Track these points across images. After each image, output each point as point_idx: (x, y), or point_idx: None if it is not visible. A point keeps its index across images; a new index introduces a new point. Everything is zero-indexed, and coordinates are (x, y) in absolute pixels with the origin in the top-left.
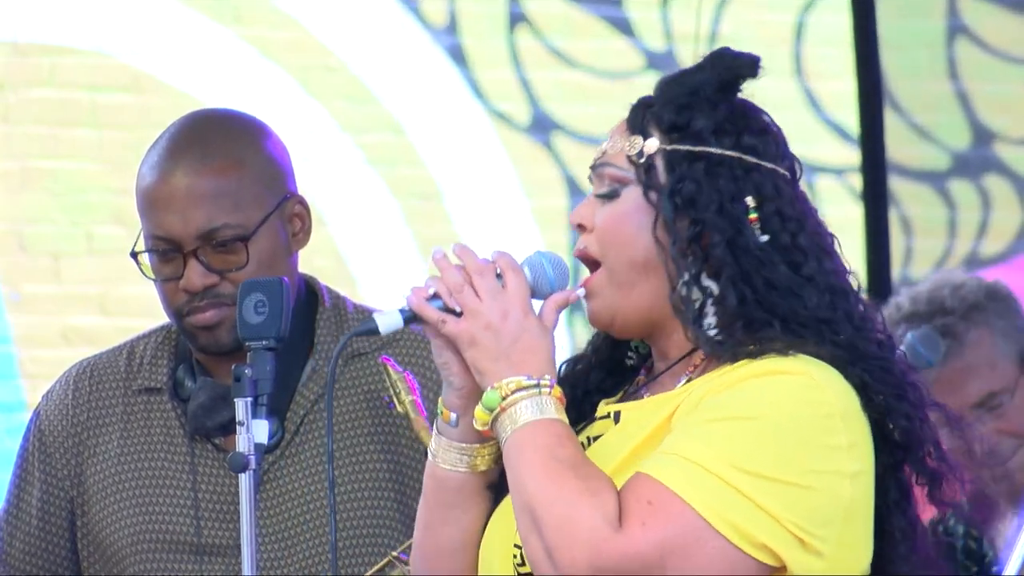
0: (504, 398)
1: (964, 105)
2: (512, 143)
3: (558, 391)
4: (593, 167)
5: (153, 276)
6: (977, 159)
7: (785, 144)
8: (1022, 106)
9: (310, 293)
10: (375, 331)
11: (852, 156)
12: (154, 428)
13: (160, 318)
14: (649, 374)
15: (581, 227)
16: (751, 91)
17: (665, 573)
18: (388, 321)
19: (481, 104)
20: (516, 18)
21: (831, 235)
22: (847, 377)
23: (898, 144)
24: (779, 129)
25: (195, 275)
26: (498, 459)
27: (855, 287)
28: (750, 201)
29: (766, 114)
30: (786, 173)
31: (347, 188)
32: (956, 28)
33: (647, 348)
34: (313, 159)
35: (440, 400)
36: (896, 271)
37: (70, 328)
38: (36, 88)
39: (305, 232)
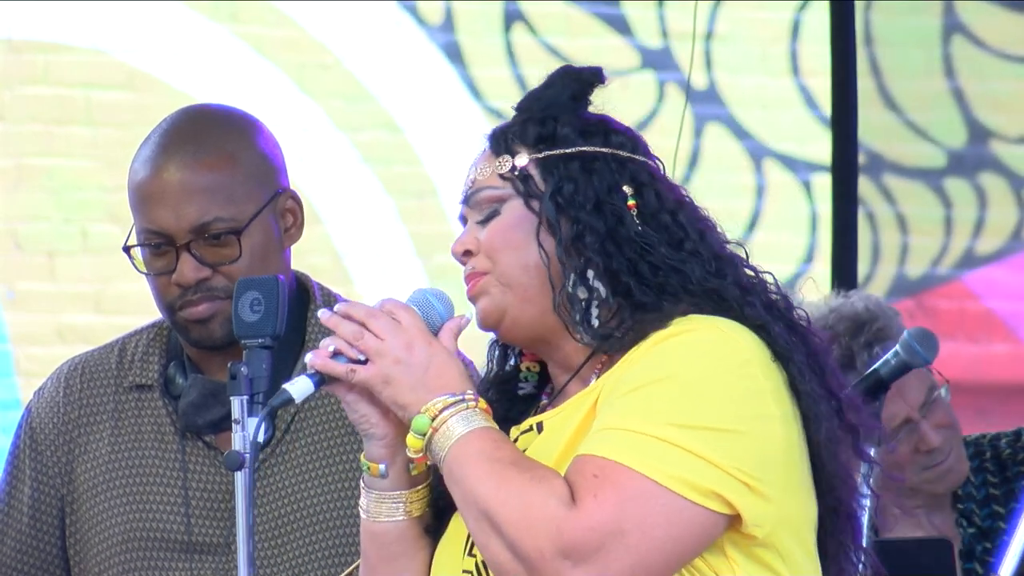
0: (433, 418)
1: (960, 103)
2: None
3: (483, 403)
4: (465, 200)
5: (145, 270)
6: (973, 157)
7: (646, 144)
8: (1018, 104)
9: (302, 290)
10: (290, 400)
11: None
12: (145, 425)
13: (154, 316)
14: (552, 394)
15: (468, 253)
16: (749, 90)
17: (626, 540)
18: (299, 388)
19: (477, 102)
20: (512, 16)
21: (711, 220)
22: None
23: (894, 142)
24: (639, 135)
25: (188, 269)
26: (429, 502)
27: (743, 256)
28: (627, 189)
29: (616, 120)
30: (657, 166)
31: (342, 186)
32: (952, 26)
33: (536, 375)
34: (308, 157)
35: (362, 457)
36: (892, 269)
37: (65, 326)
38: (31, 85)
39: (297, 227)
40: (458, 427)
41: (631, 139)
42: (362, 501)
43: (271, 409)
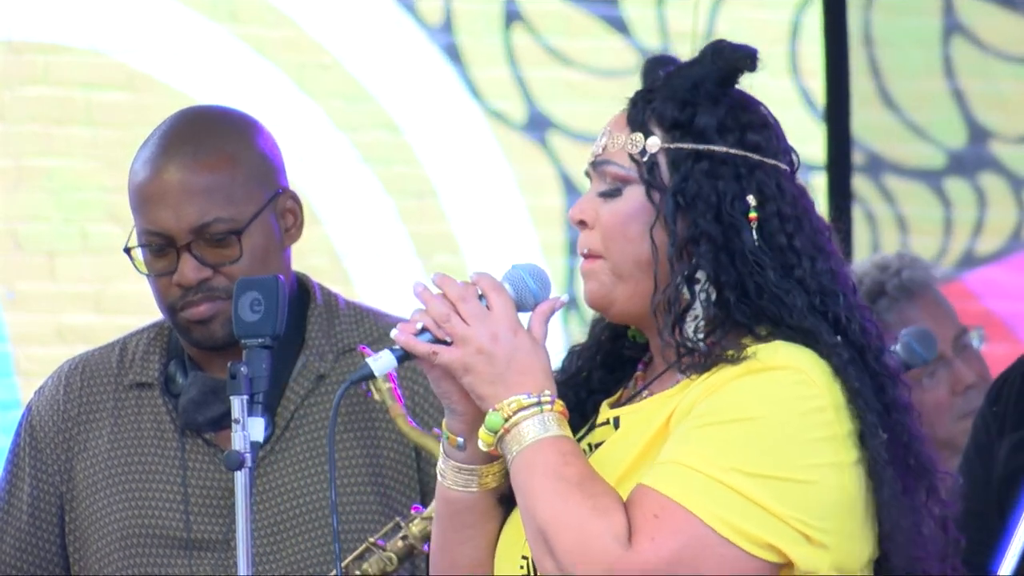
0: (507, 419)
1: (960, 103)
2: (508, 141)
3: (560, 405)
4: (593, 164)
5: (146, 271)
6: (973, 157)
7: (784, 136)
8: (1018, 104)
9: (302, 290)
10: (371, 375)
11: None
12: (144, 423)
13: (154, 316)
14: (647, 368)
15: (583, 223)
16: (748, 90)
17: None
18: (382, 363)
19: (477, 102)
20: (512, 16)
21: (828, 229)
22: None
23: (894, 142)
24: (777, 121)
25: (189, 269)
26: (507, 474)
27: (849, 287)
28: (751, 200)
29: (764, 106)
30: (787, 168)
31: (342, 186)
32: (952, 26)
33: (644, 339)
34: (308, 157)
35: (444, 425)
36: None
37: (65, 326)
38: (31, 86)
39: (297, 227)
40: (530, 432)
41: (767, 138)
42: (439, 465)
43: (351, 382)
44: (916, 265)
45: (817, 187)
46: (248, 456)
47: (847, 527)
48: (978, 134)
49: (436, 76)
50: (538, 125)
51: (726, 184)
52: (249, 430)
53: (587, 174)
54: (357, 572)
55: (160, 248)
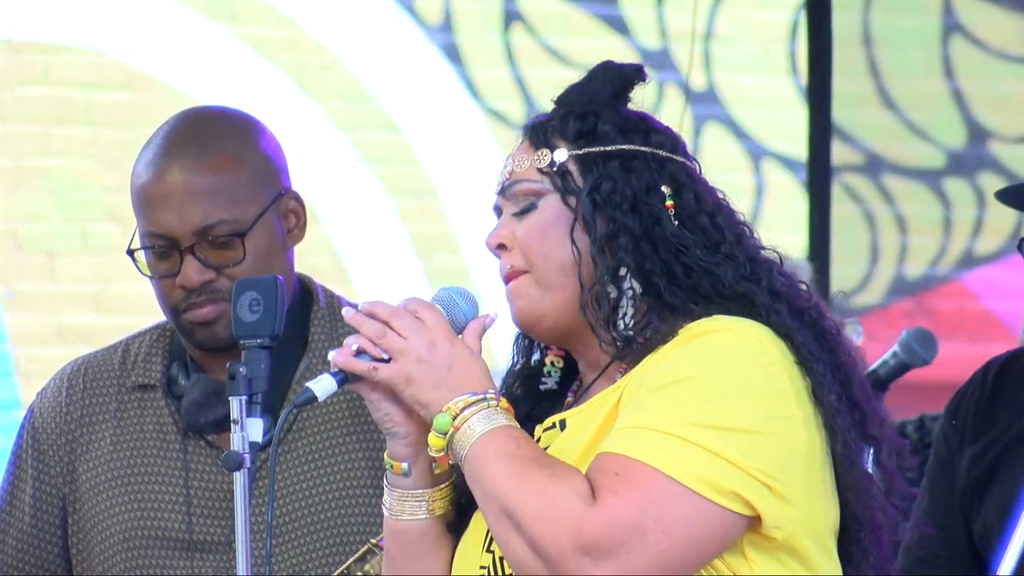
0: (454, 417)
1: (959, 103)
2: (507, 141)
3: (504, 402)
4: (501, 191)
5: (149, 274)
6: (972, 157)
7: (684, 144)
8: (1017, 104)
9: (305, 292)
10: (313, 399)
11: (847, 154)
12: (147, 425)
13: (154, 316)
14: (578, 391)
15: (502, 247)
16: (748, 90)
17: (647, 538)
18: (323, 386)
19: (476, 102)
20: (511, 16)
21: (746, 222)
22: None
23: (893, 142)
24: (672, 130)
25: (192, 271)
26: (452, 501)
27: (777, 262)
28: (666, 190)
29: (655, 118)
30: (695, 167)
31: (342, 186)
32: (951, 26)
33: (559, 371)
34: (308, 157)
35: (386, 455)
36: (891, 269)
37: (65, 326)
38: (31, 86)
39: (300, 228)
40: (479, 425)
41: (671, 138)
42: (385, 499)
43: (293, 407)
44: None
45: None
46: (247, 457)
47: (809, 483)
48: (978, 134)
49: (436, 76)
50: None
51: (639, 177)
52: (248, 431)
53: (496, 208)
54: (359, 573)
55: (163, 250)
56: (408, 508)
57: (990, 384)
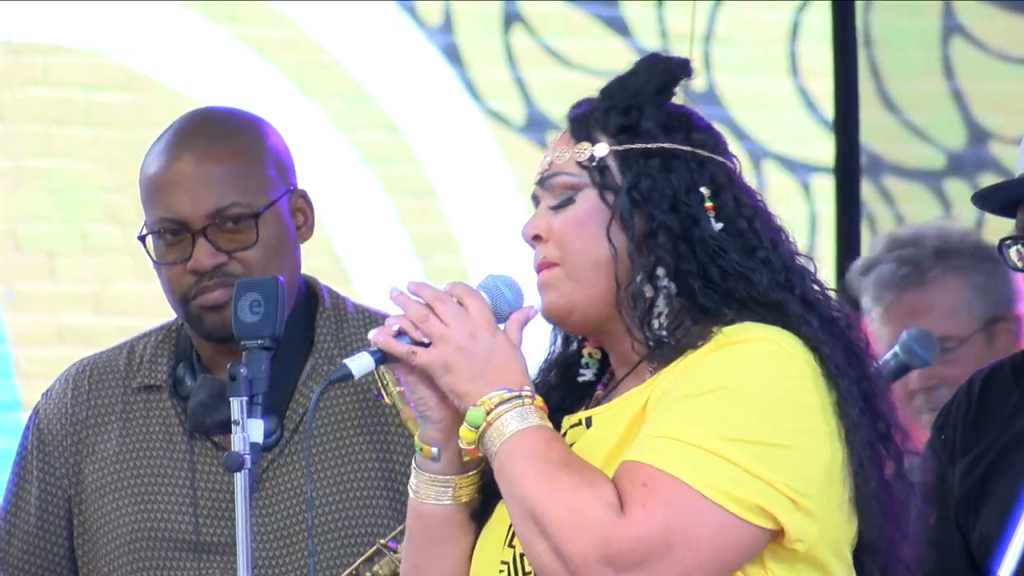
0: (488, 412)
1: (959, 104)
2: (507, 142)
3: (539, 400)
4: (540, 182)
5: (159, 260)
6: (972, 158)
7: (725, 142)
8: (1018, 105)
9: (310, 293)
10: (349, 376)
11: None
12: (153, 426)
13: (154, 316)
14: (608, 386)
15: (537, 238)
16: (748, 91)
17: (672, 553)
18: (360, 364)
19: (476, 103)
20: (511, 17)
21: (783, 227)
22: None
23: (893, 143)
24: (714, 128)
25: (204, 255)
26: (479, 488)
27: (812, 269)
28: (705, 191)
29: (698, 114)
30: (735, 166)
31: (342, 187)
32: (951, 27)
33: (597, 363)
34: (308, 158)
35: (417, 437)
36: None
37: (65, 327)
38: (31, 87)
39: (308, 227)
40: (512, 423)
41: (712, 137)
42: (412, 480)
43: (328, 383)
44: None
45: (819, 188)
46: (248, 458)
47: (831, 497)
48: (978, 135)
49: (435, 77)
50: (537, 126)
51: (679, 177)
52: (249, 431)
53: (534, 198)
54: (368, 573)
55: (174, 235)
56: (434, 492)
57: (976, 396)
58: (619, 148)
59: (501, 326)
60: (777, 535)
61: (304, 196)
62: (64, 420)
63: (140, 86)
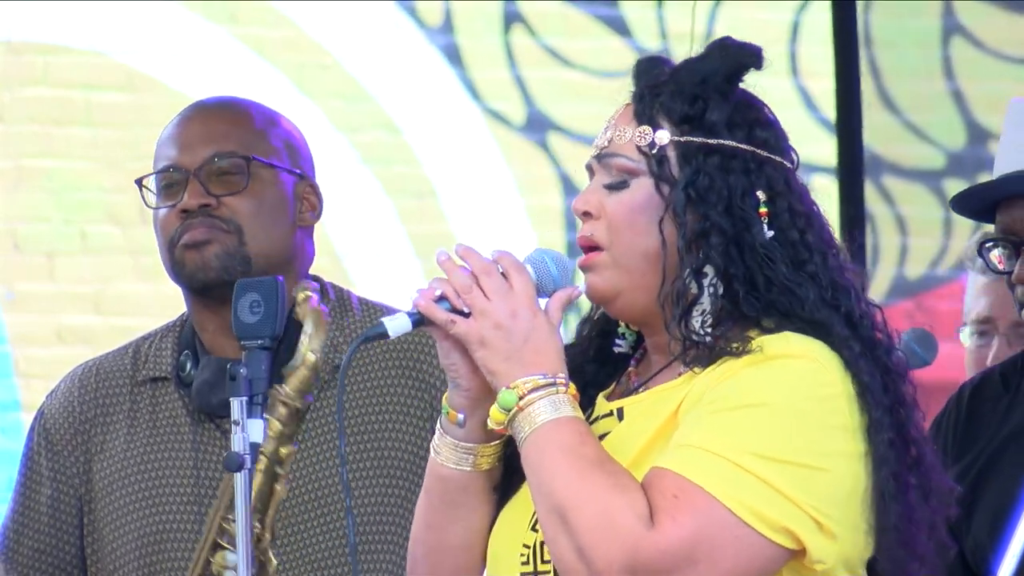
0: (521, 398)
1: (959, 104)
2: (507, 142)
3: (573, 389)
4: (598, 156)
5: (155, 205)
6: (972, 158)
7: (787, 137)
8: None
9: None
10: (385, 335)
11: None
12: (160, 417)
13: (155, 316)
14: (640, 364)
15: (588, 214)
16: (748, 90)
17: (695, 567)
18: (397, 324)
19: (476, 103)
20: (511, 17)
21: (834, 238)
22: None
23: (893, 143)
24: (779, 121)
25: (192, 195)
26: (501, 458)
27: (859, 285)
28: (761, 195)
29: (767, 106)
30: (791, 166)
31: (342, 187)
32: (951, 27)
33: (634, 336)
34: None
35: (445, 399)
36: (891, 270)
37: (64, 327)
38: (31, 87)
39: (312, 216)
40: (544, 412)
41: (775, 135)
42: (435, 439)
43: (364, 339)
44: None
45: (820, 189)
46: (248, 458)
47: (854, 519)
48: (978, 135)
49: (436, 77)
50: (537, 126)
51: (737, 178)
52: (249, 431)
53: (589, 168)
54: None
55: (170, 182)
56: (455, 457)
57: (965, 405)
58: (680, 139)
59: (543, 301)
60: (798, 554)
61: (314, 188)
62: (72, 419)
63: (140, 86)
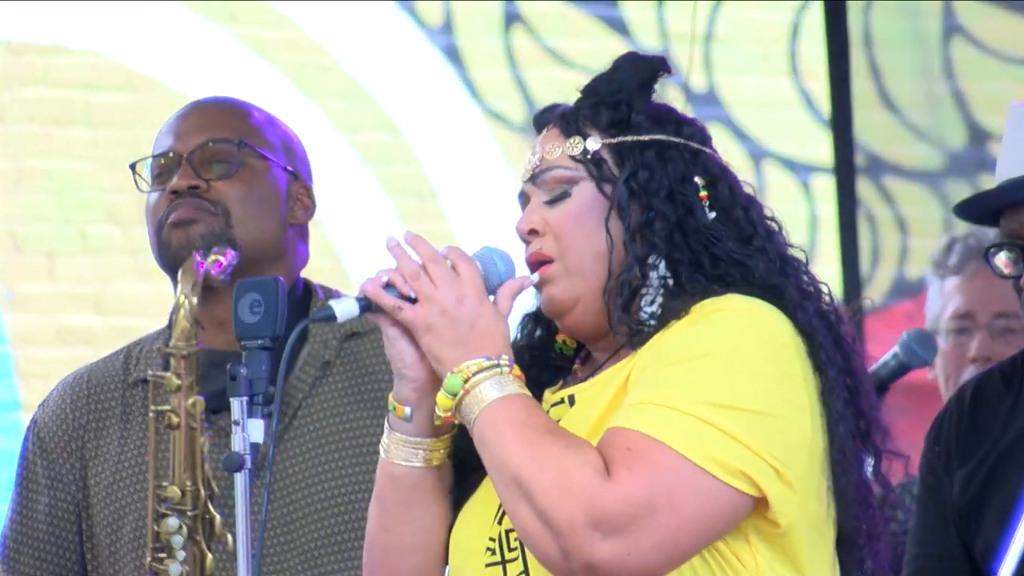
0: (466, 380)
1: (960, 105)
2: (507, 143)
3: (517, 370)
4: (532, 178)
5: (148, 188)
6: (972, 159)
7: (712, 140)
8: None
9: (306, 291)
10: (332, 318)
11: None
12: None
13: (154, 316)
14: (585, 364)
15: (533, 232)
16: (748, 91)
17: (657, 515)
18: (345, 308)
19: (476, 104)
20: (511, 18)
21: (776, 218)
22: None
23: (894, 144)
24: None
25: (182, 176)
26: (450, 455)
27: (804, 261)
28: (699, 180)
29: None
30: (721, 158)
31: (342, 187)
32: (952, 28)
33: (571, 351)
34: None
35: (391, 396)
36: (892, 270)
37: (64, 327)
38: (31, 87)
39: (305, 215)
40: (490, 392)
41: (699, 131)
42: (383, 439)
43: (311, 321)
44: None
45: (820, 189)
46: (248, 458)
47: (811, 474)
48: (978, 135)
49: (436, 77)
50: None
51: (675, 167)
52: (249, 431)
53: (521, 195)
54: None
55: (164, 166)
56: (404, 453)
57: (968, 405)
58: (613, 141)
59: (491, 297)
60: (759, 506)
61: (308, 191)
62: (65, 427)
63: (140, 86)
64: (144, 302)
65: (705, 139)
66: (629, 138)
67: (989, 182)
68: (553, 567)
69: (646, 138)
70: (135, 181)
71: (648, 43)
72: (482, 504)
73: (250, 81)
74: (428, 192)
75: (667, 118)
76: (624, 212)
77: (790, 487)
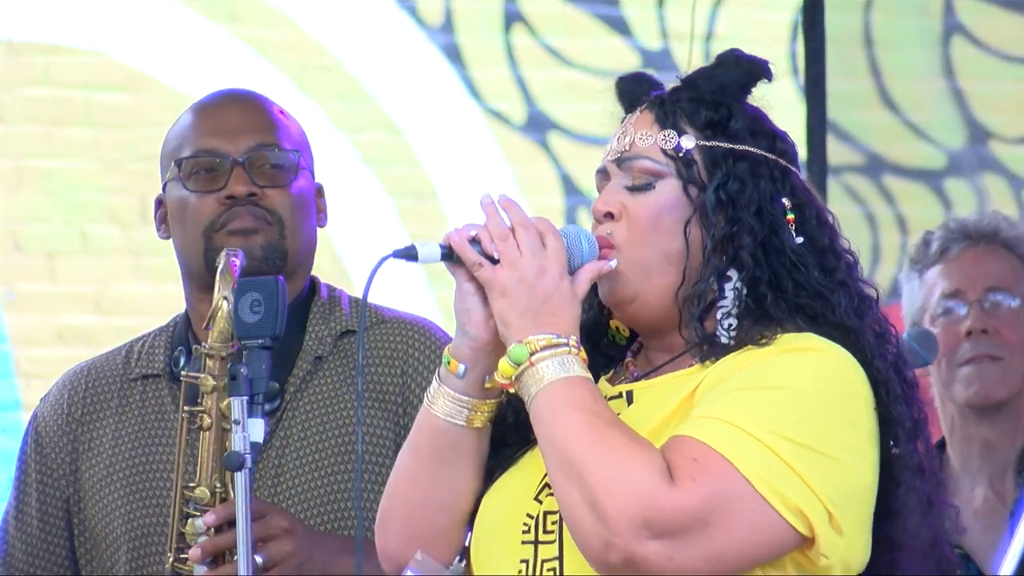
0: (532, 353)
1: (960, 104)
2: (508, 142)
3: (583, 353)
4: (619, 160)
5: (191, 189)
6: (973, 158)
7: (798, 155)
8: (1018, 105)
9: (311, 290)
10: (414, 256)
11: (848, 155)
12: (149, 413)
13: (154, 316)
14: (637, 357)
15: (610, 215)
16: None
17: (709, 530)
18: (427, 252)
19: (477, 103)
20: (512, 17)
21: (853, 252)
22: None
23: (894, 143)
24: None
25: (240, 182)
26: (493, 419)
27: (876, 297)
28: (787, 202)
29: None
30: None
31: (342, 187)
32: (952, 27)
33: (624, 339)
34: None
35: (447, 350)
36: (892, 270)
37: (65, 327)
38: (31, 87)
39: (324, 220)
40: (554, 370)
41: (791, 147)
42: (430, 389)
43: (394, 255)
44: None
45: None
46: (248, 457)
47: (860, 518)
48: (978, 134)
49: (436, 76)
50: (538, 125)
51: (765, 184)
52: (249, 431)
53: (602, 171)
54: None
55: (209, 167)
56: (448, 408)
57: None
58: (707, 144)
59: (569, 277)
60: (805, 545)
61: (320, 191)
62: (61, 420)
63: (141, 86)
64: (144, 302)
65: (794, 157)
66: (724, 145)
67: (989, 181)
68: (592, 555)
69: (740, 148)
70: (179, 178)
71: (648, 42)
72: (521, 479)
73: (250, 81)
74: (428, 192)
75: (763, 130)
76: (708, 220)
77: (839, 532)
